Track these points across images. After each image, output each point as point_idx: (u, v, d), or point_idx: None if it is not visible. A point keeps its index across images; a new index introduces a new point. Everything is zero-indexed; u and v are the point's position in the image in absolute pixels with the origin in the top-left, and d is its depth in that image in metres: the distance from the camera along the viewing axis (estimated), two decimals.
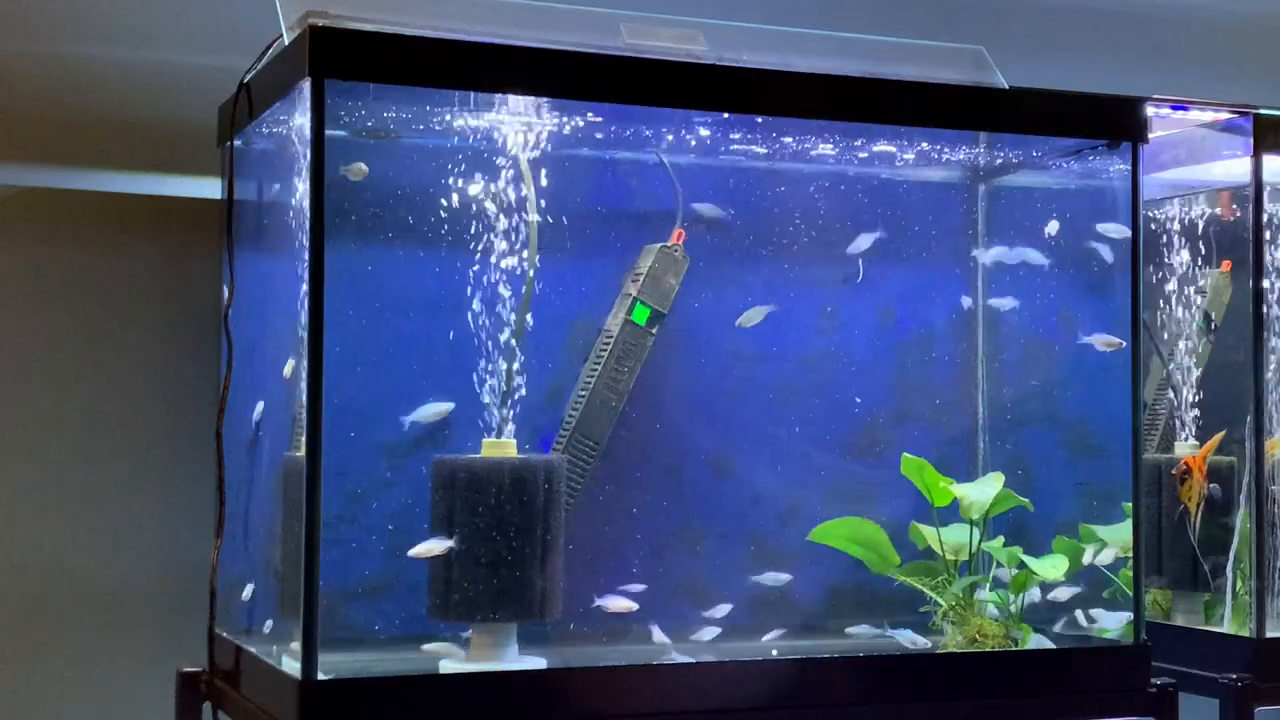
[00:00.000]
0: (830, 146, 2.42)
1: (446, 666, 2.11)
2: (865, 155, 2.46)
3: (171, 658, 2.30)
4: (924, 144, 2.44)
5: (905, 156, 2.48)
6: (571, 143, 2.29)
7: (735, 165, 2.44)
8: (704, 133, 2.34)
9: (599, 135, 2.31)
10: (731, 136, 2.37)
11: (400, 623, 2.23)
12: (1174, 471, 2.56)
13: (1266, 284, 2.48)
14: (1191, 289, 2.66)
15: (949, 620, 2.34)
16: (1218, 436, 2.54)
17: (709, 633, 2.32)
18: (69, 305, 2.53)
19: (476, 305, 2.21)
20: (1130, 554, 2.29)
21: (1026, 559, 2.35)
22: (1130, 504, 2.30)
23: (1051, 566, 2.33)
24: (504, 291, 2.20)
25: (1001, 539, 2.40)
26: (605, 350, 2.32)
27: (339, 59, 1.95)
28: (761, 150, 2.41)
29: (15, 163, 2.49)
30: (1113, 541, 2.36)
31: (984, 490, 2.36)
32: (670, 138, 2.35)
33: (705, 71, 2.13)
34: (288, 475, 2.11)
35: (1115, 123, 2.31)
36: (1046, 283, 2.52)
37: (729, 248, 2.43)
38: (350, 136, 2.22)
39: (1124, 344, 2.32)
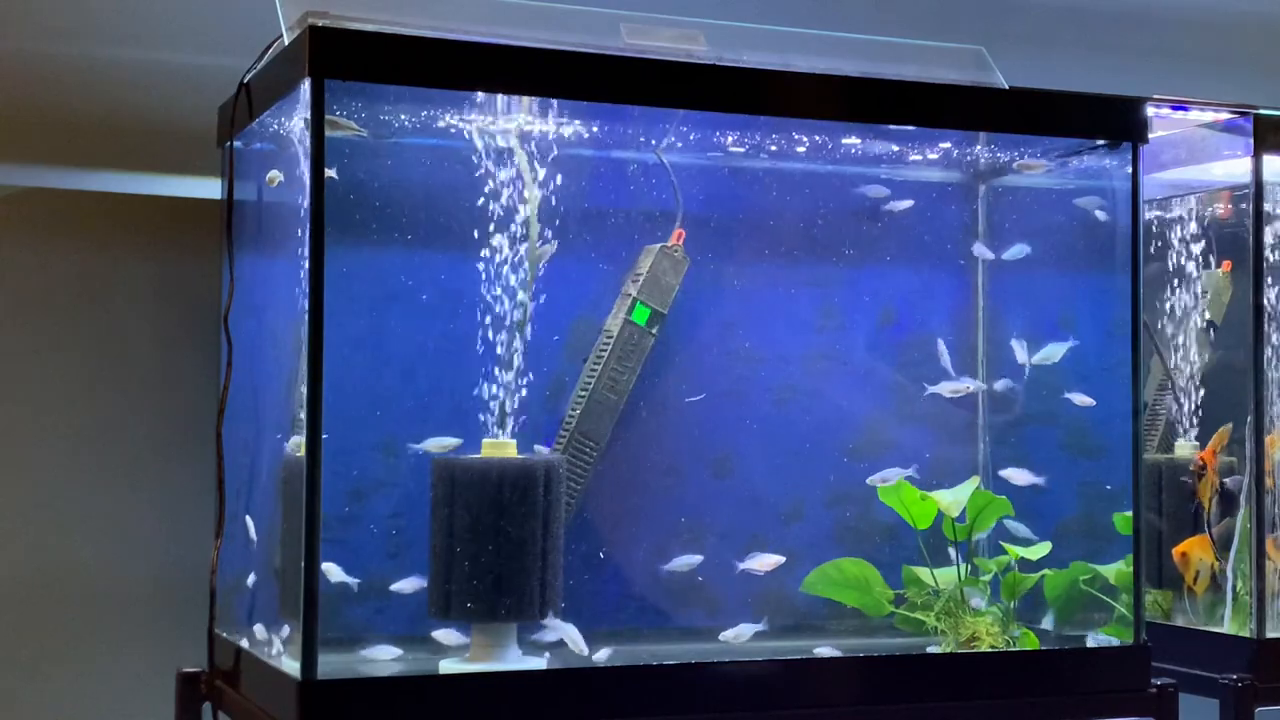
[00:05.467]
0: (830, 145, 2.42)
1: (446, 666, 2.11)
2: (864, 154, 2.46)
3: (171, 658, 2.30)
4: (923, 143, 2.44)
5: (904, 156, 2.48)
6: (572, 142, 2.29)
7: (734, 165, 2.44)
8: (703, 133, 2.35)
9: (599, 135, 2.31)
10: (730, 136, 2.37)
11: (400, 623, 2.23)
12: (1191, 468, 2.55)
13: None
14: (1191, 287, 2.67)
15: (941, 631, 2.35)
16: (1225, 429, 2.53)
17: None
18: (69, 305, 2.53)
19: (476, 305, 2.21)
20: None
21: (1006, 545, 2.37)
22: (1123, 515, 2.32)
23: (1037, 549, 2.37)
24: (504, 292, 2.21)
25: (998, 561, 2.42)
26: (605, 350, 2.32)
27: (339, 59, 1.95)
28: (760, 149, 2.41)
29: (15, 163, 2.49)
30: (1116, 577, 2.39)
31: (960, 493, 2.38)
32: (670, 139, 2.36)
33: (705, 71, 2.13)
34: (288, 475, 2.11)
35: (1115, 123, 2.31)
36: (1046, 283, 2.53)
37: (728, 247, 2.44)
38: (351, 136, 2.22)
39: (971, 388, 2.43)
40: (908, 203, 2.48)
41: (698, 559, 2.34)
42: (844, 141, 2.40)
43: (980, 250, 2.54)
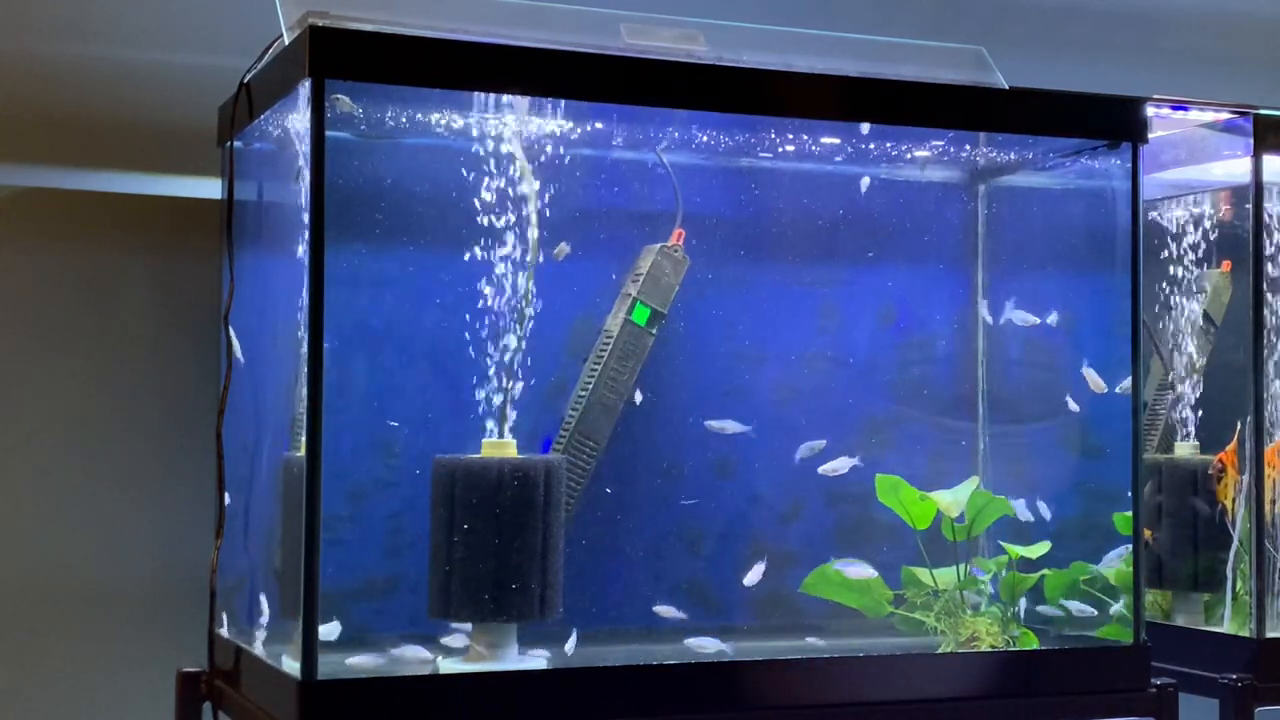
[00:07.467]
0: (830, 146, 2.42)
1: (446, 666, 2.11)
2: (864, 154, 2.46)
3: (171, 658, 2.30)
4: (923, 143, 2.44)
5: (905, 155, 2.48)
6: (572, 142, 2.29)
7: (733, 165, 2.44)
8: (704, 134, 2.35)
9: (599, 135, 2.31)
10: (730, 136, 2.37)
11: (400, 623, 2.23)
12: (1210, 470, 2.55)
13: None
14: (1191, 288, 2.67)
15: (940, 631, 2.35)
16: (1238, 432, 2.53)
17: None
18: (69, 305, 2.53)
19: (476, 305, 2.21)
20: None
21: (1005, 545, 2.37)
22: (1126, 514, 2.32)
23: (1036, 549, 2.37)
24: (504, 291, 2.21)
25: (998, 561, 2.42)
26: (605, 350, 2.32)
27: (339, 59, 1.95)
28: (760, 149, 2.41)
29: (15, 163, 2.49)
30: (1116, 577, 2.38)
31: (960, 492, 2.38)
32: (670, 138, 2.36)
33: (705, 71, 2.13)
34: (288, 475, 2.11)
35: (1115, 123, 2.31)
36: (1046, 285, 2.53)
37: (728, 248, 2.44)
38: (351, 136, 2.22)
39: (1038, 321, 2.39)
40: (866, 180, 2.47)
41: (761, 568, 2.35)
42: (843, 141, 2.40)
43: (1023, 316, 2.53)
